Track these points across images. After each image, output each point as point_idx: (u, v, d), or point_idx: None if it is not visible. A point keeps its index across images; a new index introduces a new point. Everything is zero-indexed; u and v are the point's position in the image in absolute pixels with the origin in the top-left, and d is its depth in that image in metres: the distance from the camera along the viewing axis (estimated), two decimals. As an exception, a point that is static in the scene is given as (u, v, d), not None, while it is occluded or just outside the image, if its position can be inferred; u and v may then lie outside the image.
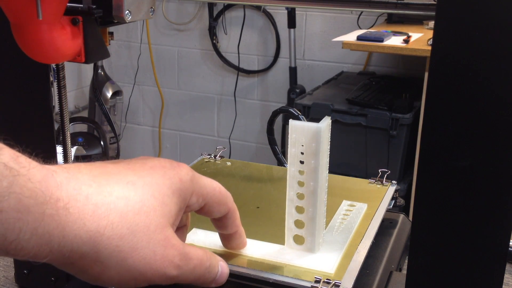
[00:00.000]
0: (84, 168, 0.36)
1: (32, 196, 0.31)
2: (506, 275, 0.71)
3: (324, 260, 0.51)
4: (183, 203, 0.40)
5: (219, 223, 0.47)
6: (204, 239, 0.55)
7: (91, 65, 2.85)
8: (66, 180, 0.34)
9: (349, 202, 0.63)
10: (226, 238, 0.50)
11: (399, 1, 0.55)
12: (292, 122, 0.50)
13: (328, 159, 0.52)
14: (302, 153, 0.50)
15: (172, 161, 0.41)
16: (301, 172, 0.50)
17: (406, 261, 0.44)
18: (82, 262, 0.34)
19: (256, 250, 0.52)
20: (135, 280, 0.36)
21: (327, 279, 0.47)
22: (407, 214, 0.68)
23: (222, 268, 0.43)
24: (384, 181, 0.69)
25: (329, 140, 0.51)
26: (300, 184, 0.51)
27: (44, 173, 0.33)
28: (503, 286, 0.42)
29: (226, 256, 0.52)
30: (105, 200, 0.35)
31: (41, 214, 0.31)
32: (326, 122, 0.49)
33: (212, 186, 0.43)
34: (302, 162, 0.50)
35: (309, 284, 0.47)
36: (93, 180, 0.35)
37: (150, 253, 0.36)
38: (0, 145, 0.32)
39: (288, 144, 0.50)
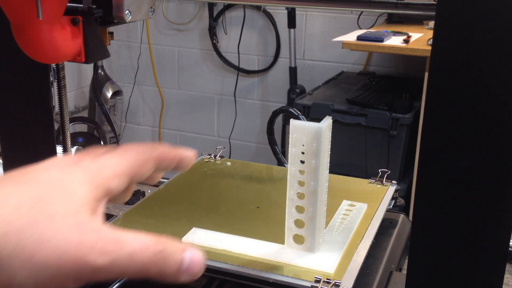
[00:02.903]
0: None
1: None
2: (506, 275, 0.71)
3: (324, 259, 0.51)
4: (99, 191, 0.35)
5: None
6: (204, 238, 0.55)
7: (91, 65, 2.84)
8: None
9: (349, 202, 0.63)
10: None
11: (399, 1, 0.55)
12: (293, 122, 0.50)
13: (328, 159, 0.52)
14: (302, 153, 0.50)
15: (72, 158, 0.37)
16: (301, 172, 0.50)
17: (406, 261, 0.44)
18: None
19: (256, 249, 0.52)
20: (56, 278, 0.30)
21: (327, 279, 0.47)
22: (407, 214, 0.68)
23: (192, 256, 0.34)
24: (384, 181, 0.69)
25: (330, 140, 0.51)
26: (301, 183, 0.51)
27: None
28: (503, 286, 0.42)
29: (226, 256, 0.52)
30: (7, 191, 0.31)
31: None
32: (327, 122, 0.49)
33: (128, 157, 0.38)
34: (302, 162, 0.50)
35: (309, 284, 0.47)
36: None
37: (62, 241, 0.31)
38: None
39: (288, 144, 0.51)
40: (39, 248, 0.30)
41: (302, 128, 0.49)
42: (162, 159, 0.41)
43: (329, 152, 0.52)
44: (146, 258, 0.33)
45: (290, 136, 0.50)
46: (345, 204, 0.63)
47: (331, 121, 0.50)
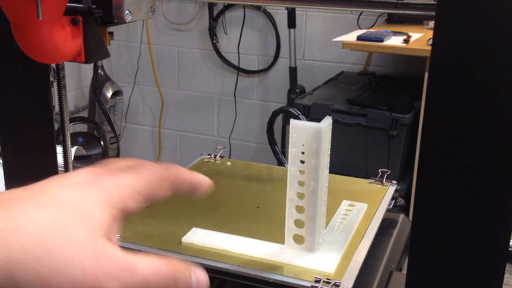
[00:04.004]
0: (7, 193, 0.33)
1: None
2: (506, 275, 0.71)
3: (323, 259, 0.51)
4: (115, 210, 0.36)
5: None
6: (204, 238, 0.55)
7: (91, 65, 2.85)
8: None
9: (349, 202, 0.63)
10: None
11: (399, 1, 0.55)
12: (293, 122, 0.50)
13: (328, 159, 0.52)
14: (302, 153, 0.50)
15: (90, 174, 0.37)
16: (301, 172, 0.50)
17: (406, 261, 0.44)
18: None
19: (256, 249, 0.52)
20: None
21: (327, 279, 0.47)
22: (407, 214, 0.68)
23: (197, 276, 0.36)
24: (384, 181, 0.69)
25: (330, 140, 0.51)
26: (301, 183, 0.51)
27: None
28: (503, 286, 0.42)
29: (226, 256, 0.52)
30: (12, 223, 0.31)
31: None
32: (327, 122, 0.49)
33: (146, 177, 0.39)
34: (302, 162, 0.50)
35: (309, 284, 0.47)
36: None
37: (78, 270, 0.31)
38: None
39: (288, 144, 0.51)
40: (55, 277, 0.31)
41: (302, 128, 0.49)
42: (178, 182, 0.42)
43: (329, 152, 0.52)
44: (159, 282, 0.34)
45: (290, 136, 0.50)
46: (345, 204, 0.63)
47: (331, 121, 0.50)
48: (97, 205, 0.35)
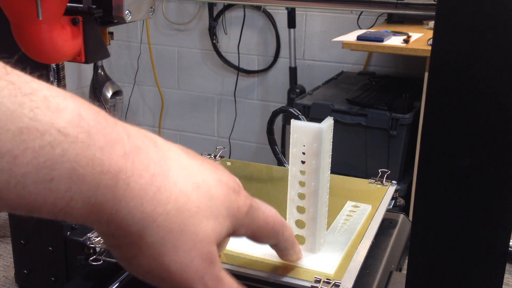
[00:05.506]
0: (174, 149, 0.35)
1: (89, 164, 0.29)
2: (506, 275, 0.71)
3: (324, 260, 0.51)
4: (232, 230, 0.37)
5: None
6: None
7: (91, 65, 2.85)
8: (136, 150, 0.31)
9: (353, 203, 0.63)
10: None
11: (399, 1, 0.55)
12: (294, 122, 0.50)
13: (330, 160, 0.52)
14: (303, 153, 0.50)
15: (236, 183, 0.39)
16: (302, 172, 0.50)
17: (406, 261, 0.44)
18: (123, 240, 0.32)
19: (256, 249, 0.52)
20: (161, 279, 0.33)
21: (327, 279, 0.47)
22: (407, 214, 0.68)
23: None
24: (384, 181, 0.69)
25: (331, 140, 0.51)
26: (301, 184, 0.51)
27: (113, 138, 0.30)
28: (503, 286, 0.42)
29: (227, 256, 0.52)
30: (169, 188, 0.32)
31: (96, 184, 0.29)
32: (328, 123, 0.49)
33: (265, 221, 0.41)
34: (303, 162, 0.50)
35: (309, 284, 0.47)
36: (165, 162, 0.33)
37: (188, 260, 0.33)
38: (63, 105, 0.29)
39: (289, 144, 0.51)
40: (171, 254, 0.32)
41: (303, 129, 0.49)
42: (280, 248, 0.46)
43: (331, 153, 0.52)
44: None
45: (291, 136, 0.50)
46: (349, 205, 0.63)
47: (332, 121, 0.50)
48: (227, 217, 0.36)
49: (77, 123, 0.29)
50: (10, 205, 0.28)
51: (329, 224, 0.56)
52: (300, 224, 0.52)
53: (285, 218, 0.53)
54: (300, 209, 0.52)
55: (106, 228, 0.31)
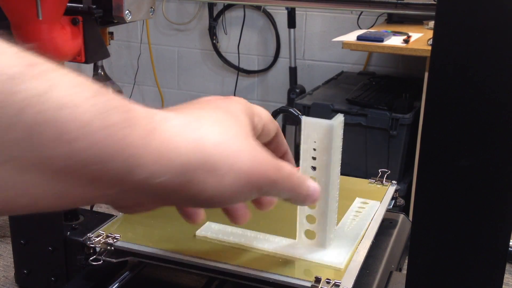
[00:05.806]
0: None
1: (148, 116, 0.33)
2: (506, 275, 0.71)
3: (334, 255, 0.51)
4: (252, 122, 0.40)
5: (273, 145, 0.47)
6: (218, 232, 0.55)
7: (91, 65, 2.84)
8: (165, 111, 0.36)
9: (362, 200, 0.64)
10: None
11: (399, 1, 0.55)
12: (305, 119, 0.50)
13: (340, 156, 0.53)
14: (314, 149, 0.50)
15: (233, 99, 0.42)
16: (313, 168, 0.51)
17: (406, 261, 0.44)
18: (198, 176, 0.33)
19: (268, 244, 0.53)
20: (243, 187, 0.35)
21: (327, 279, 0.47)
22: (407, 214, 0.68)
23: (311, 184, 0.42)
24: (384, 181, 0.69)
25: (342, 137, 0.52)
26: (312, 179, 0.51)
27: (148, 109, 0.35)
28: (503, 286, 0.42)
29: (238, 251, 0.52)
30: (199, 113, 0.36)
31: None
32: (338, 119, 0.50)
33: (261, 109, 0.45)
34: (314, 158, 0.51)
35: (309, 284, 0.47)
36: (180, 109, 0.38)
37: (251, 156, 0.35)
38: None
39: (300, 140, 0.51)
40: (239, 156, 0.34)
41: (313, 125, 0.50)
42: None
43: (341, 149, 0.52)
44: (295, 182, 0.40)
45: (302, 132, 0.51)
46: (358, 201, 0.64)
47: (342, 118, 0.51)
48: (241, 113, 0.39)
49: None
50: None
51: (338, 220, 0.56)
52: (310, 219, 0.52)
53: (296, 213, 0.53)
54: (311, 205, 0.52)
55: (178, 174, 0.32)
